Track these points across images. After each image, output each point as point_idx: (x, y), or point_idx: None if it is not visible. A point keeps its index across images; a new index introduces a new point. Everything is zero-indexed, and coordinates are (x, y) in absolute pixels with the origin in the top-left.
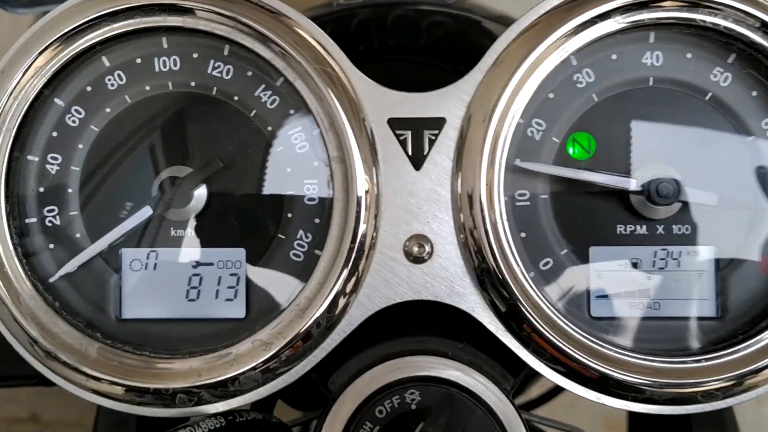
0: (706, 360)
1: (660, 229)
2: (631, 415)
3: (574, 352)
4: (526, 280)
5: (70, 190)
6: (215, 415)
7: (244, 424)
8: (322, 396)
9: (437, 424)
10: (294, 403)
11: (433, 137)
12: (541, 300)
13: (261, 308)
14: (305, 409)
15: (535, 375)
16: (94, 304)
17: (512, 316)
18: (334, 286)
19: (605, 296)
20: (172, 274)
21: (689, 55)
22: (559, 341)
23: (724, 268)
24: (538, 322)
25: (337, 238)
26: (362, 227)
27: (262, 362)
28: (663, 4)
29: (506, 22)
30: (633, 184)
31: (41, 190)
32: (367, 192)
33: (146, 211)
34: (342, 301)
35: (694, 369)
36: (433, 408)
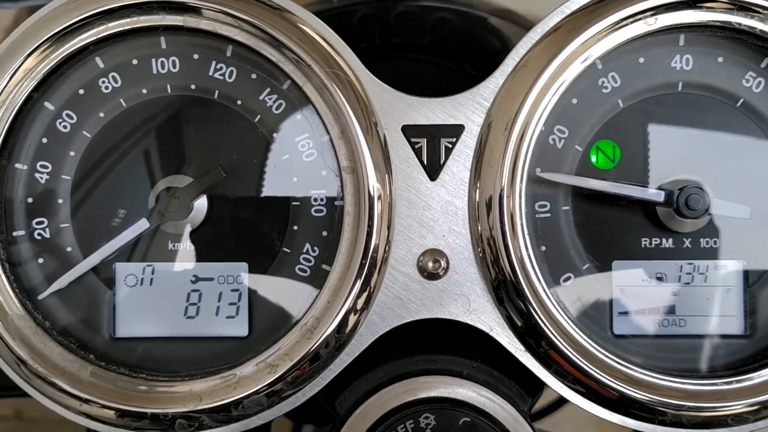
0: (737, 382)
1: (687, 243)
2: None
3: (595, 372)
4: (546, 294)
5: (60, 201)
6: None
7: None
8: (327, 415)
9: None
10: (294, 416)
11: (450, 145)
12: (562, 315)
13: (265, 327)
14: (307, 421)
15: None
16: (86, 322)
17: (530, 333)
18: (344, 304)
19: (628, 313)
20: (170, 289)
21: (720, 59)
22: (578, 359)
23: (753, 284)
24: (558, 339)
25: (347, 252)
26: (374, 241)
27: (266, 385)
28: (700, 4)
29: (513, 18)
30: (661, 196)
31: (30, 200)
32: (379, 203)
33: (142, 224)
34: (352, 320)
35: (724, 391)
36: None
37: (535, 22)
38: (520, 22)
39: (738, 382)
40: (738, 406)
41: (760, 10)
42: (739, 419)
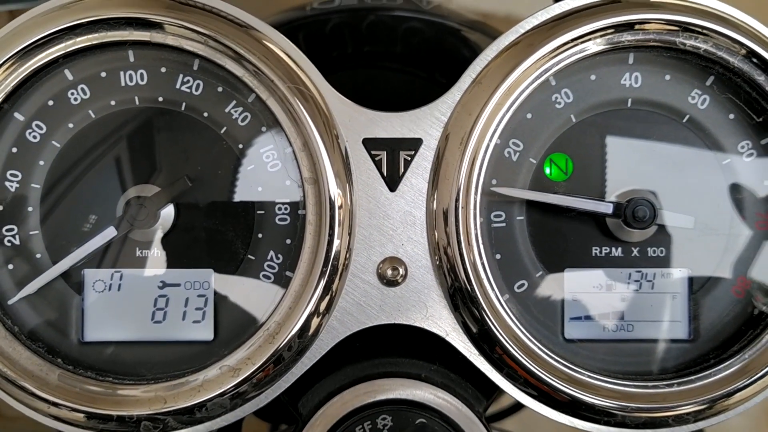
0: (678, 384)
1: (635, 252)
2: None
3: (546, 376)
4: (500, 301)
5: (30, 209)
6: None
7: None
8: (291, 414)
9: None
10: (261, 415)
11: (409, 158)
12: (514, 322)
13: (230, 331)
14: (272, 420)
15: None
16: (55, 326)
17: (484, 338)
18: (305, 309)
19: (579, 318)
20: (138, 295)
21: (668, 77)
22: (530, 364)
23: (697, 290)
24: (510, 345)
25: (309, 260)
26: (335, 249)
27: (230, 388)
28: (645, 26)
29: (483, 29)
30: (610, 208)
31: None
32: (340, 213)
33: (110, 232)
34: (313, 325)
35: (666, 393)
36: None
37: (502, 31)
38: (489, 32)
39: (679, 385)
40: (679, 408)
41: (704, 32)
42: (680, 420)
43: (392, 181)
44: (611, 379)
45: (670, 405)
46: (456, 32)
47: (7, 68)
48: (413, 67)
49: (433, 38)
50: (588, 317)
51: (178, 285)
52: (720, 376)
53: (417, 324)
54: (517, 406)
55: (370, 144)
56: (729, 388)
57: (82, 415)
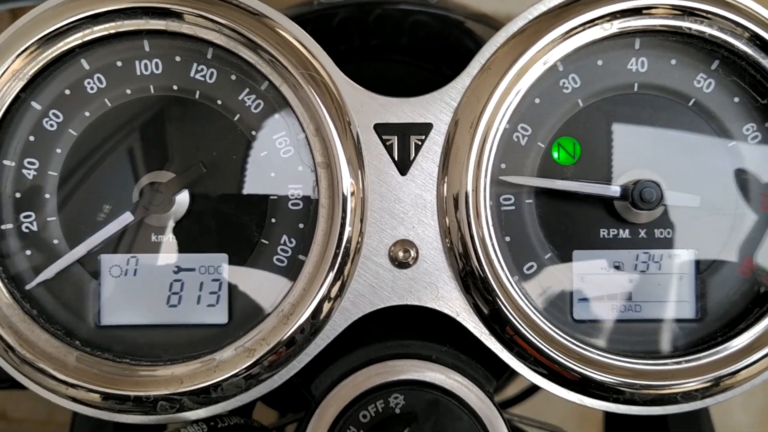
0: (686, 362)
1: (642, 233)
2: (608, 413)
3: (556, 355)
4: (510, 283)
5: (47, 196)
6: (196, 421)
7: (226, 429)
8: (302, 396)
9: (422, 428)
10: (273, 404)
11: (420, 142)
12: (525, 303)
13: (244, 314)
14: (284, 409)
15: (514, 373)
16: (72, 311)
17: (495, 319)
18: (318, 291)
19: (588, 299)
20: (153, 279)
21: (674, 62)
22: (541, 344)
23: (704, 271)
24: (521, 325)
25: (322, 243)
26: (347, 232)
27: (245, 368)
28: (652, 11)
29: (488, 22)
30: (617, 191)
31: (18, 195)
32: (352, 197)
33: (126, 217)
34: (326, 307)
35: (674, 371)
36: (418, 412)
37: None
38: (494, 24)
39: (687, 362)
40: (687, 385)
41: (709, 16)
42: (688, 397)
43: (403, 165)
44: (620, 357)
45: (677, 382)
46: (461, 25)
47: (26, 57)
48: (420, 60)
49: (440, 31)
50: (596, 298)
51: (193, 270)
52: (727, 353)
53: (428, 305)
54: (526, 394)
55: (381, 129)
56: (736, 366)
57: (99, 396)
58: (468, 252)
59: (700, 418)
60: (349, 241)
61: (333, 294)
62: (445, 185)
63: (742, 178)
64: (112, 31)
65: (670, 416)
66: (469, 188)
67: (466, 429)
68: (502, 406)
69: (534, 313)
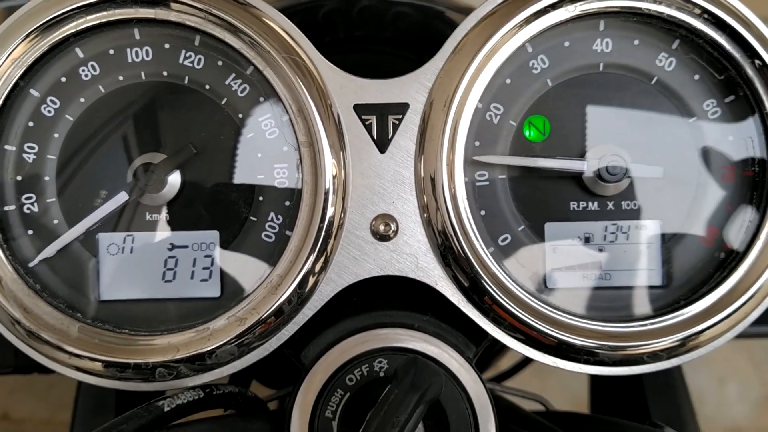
0: (652, 324)
1: (610, 205)
2: (593, 385)
3: (532, 321)
4: (486, 255)
5: (47, 178)
6: (193, 387)
7: (221, 396)
8: (295, 374)
9: (403, 384)
10: (268, 383)
11: (397, 122)
12: (501, 273)
13: (235, 287)
14: (279, 388)
15: (501, 350)
16: (73, 286)
17: (474, 290)
18: (305, 263)
19: (560, 269)
20: (149, 256)
21: (636, 42)
22: (517, 311)
23: (669, 240)
24: (499, 295)
25: (307, 218)
26: (330, 208)
27: (237, 336)
28: None
29: (468, 12)
30: (585, 166)
31: (19, 178)
32: (334, 174)
33: (122, 197)
34: (312, 278)
35: (640, 332)
36: (400, 372)
37: None
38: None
39: (653, 324)
40: (653, 345)
41: None
42: (654, 357)
43: (382, 143)
44: (591, 321)
45: (644, 343)
46: (442, 15)
47: (25, 45)
48: (403, 50)
49: (421, 22)
50: (568, 268)
51: (186, 246)
52: (690, 314)
53: (408, 275)
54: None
55: (360, 109)
56: (699, 327)
57: (101, 364)
58: (446, 228)
59: (674, 383)
60: (332, 216)
61: (318, 266)
62: (422, 164)
63: (703, 151)
64: (105, 20)
65: (646, 384)
66: (445, 167)
67: (446, 389)
68: (496, 380)
69: (510, 283)
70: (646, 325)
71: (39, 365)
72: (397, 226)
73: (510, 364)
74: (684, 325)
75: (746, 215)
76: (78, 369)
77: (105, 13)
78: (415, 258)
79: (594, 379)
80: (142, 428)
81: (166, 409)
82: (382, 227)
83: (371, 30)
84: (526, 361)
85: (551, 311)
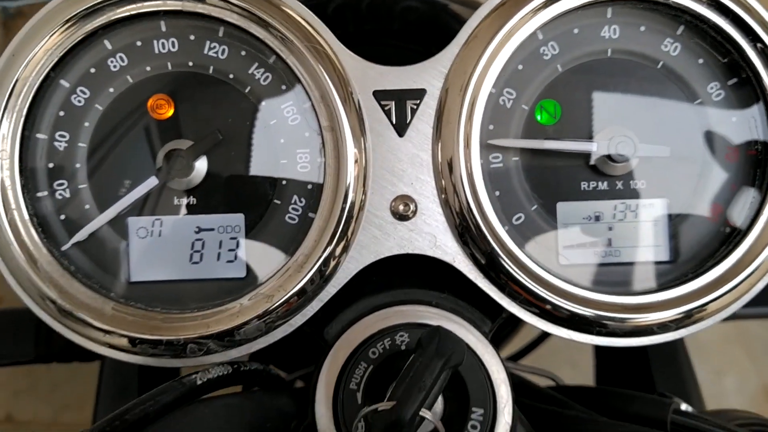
0: (660, 296)
1: (619, 185)
2: (598, 360)
3: (548, 295)
4: (503, 232)
5: (77, 165)
6: (222, 363)
7: (248, 372)
8: (314, 356)
9: (427, 352)
10: (286, 368)
11: (415, 107)
12: (516, 250)
13: (260, 267)
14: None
15: (510, 333)
16: (105, 268)
17: (491, 266)
18: (328, 244)
19: (572, 246)
20: (176, 239)
21: (642, 28)
22: (533, 286)
23: (675, 217)
24: (515, 270)
25: (330, 201)
26: (352, 190)
27: (264, 312)
28: None
29: (471, 5)
30: (594, 147)
31: (50, 165)
32: (356, 158)
33: (151, 182)
34: (335, 257)
35: (650, 303)
36: (424, 340)
37: None
38: (477, 7)
39: (661, 296)
40: (662, 316)
41: None
42: (663, 327)
43: (400, 127)
44: (603, 293)
45: (653, 314)
46: (446, 8)
47: (55, 39)
48: (411, 43)
49: (428, 15)
50: (580, 245)
51: (212, 230)
52: (697, 287)
53: (426, 253)
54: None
55: (379, 95)
56: (705, 298)
57: (133, 341)
58: (463, 208)
59: (678, 356)
60: (353, 197)
61: (341, 246)
62: (439, 147)
63: (708, 132)
64: (133, 12)
65: (656, 372)
66: (461, 150)
67: (465, 350)
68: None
69: (525, 258)
70: (655, 297)
71: (59, 354)
72: (416, 207)
73: (519, 347)
74: (691, 297)
75: (749, 193)
76: (111, 346)
77: (133, 5)
78: (433, 237)
79: (600, 354)
80: (176, 399)
81: (199, 382)
82: (401, 207)
83: (380, 24)
84: (536, 343)
85: (565, 285)
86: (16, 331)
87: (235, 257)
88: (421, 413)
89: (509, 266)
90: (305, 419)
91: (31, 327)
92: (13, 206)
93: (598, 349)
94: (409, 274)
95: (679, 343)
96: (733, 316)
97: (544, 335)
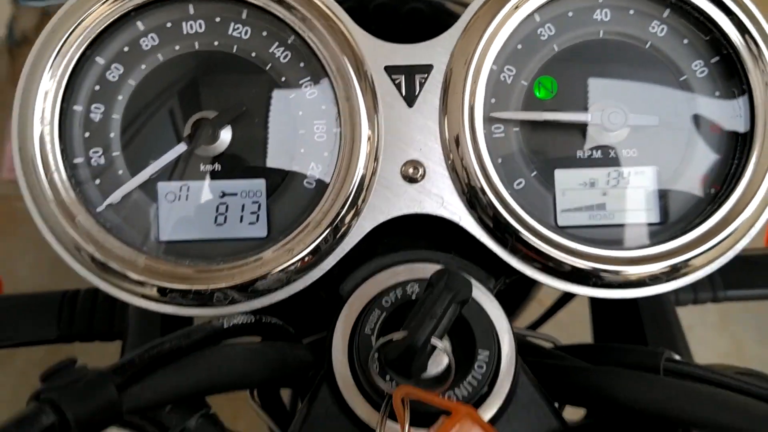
0: (652, 250)
1: (612, 153)
2: (595, 321)
3: (550, 250)
4: (507, 194)
5: (112, 135)
6: (246, 313)
7: (268, 325)
8: (327, 317)
9: (437, 287)
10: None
11: (423, 80)
12: (520, 209)
13: (280, 227)
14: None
15: (521, 304)
16: (137, 228)
17: (496, 225)
18: (343, 205)
19: (569, 209)
20: (202, 203)
21: (631, 12)
22: (536, 242)
23: (665, 183)
24: (519, 228)
25: (345, 166)
26: (365, 155)
27: (285, 264)
28: None
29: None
30: (588, 117)
31: (86, 135)
32: (369, 126)
33: (180, 147)
34: (349, 217)
35: (642, 257)
36: (433, 279)
37: None
38: None
39: (653, 250)
40: (653, 269)
41: None
42: (655, 279)
43: (410, 99)
44: (600, 248)
45: (645, 266)
46: (452, 13)
47: (90, 20)
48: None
49: (433, 18)
50: (576, 209)
51: (236, 194)
52: (686, 241)
53: (435, 212)
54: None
55: (390, 70)
56: (694, 252)
57: (165, 291)
58: (469, 172)
59: (674, 332)
60: (366, 162)
61: (355, 207)
62: (446, 117)
63: (693, 105)
64: None
65: (648, 329)
66: (466, 119)
67: (471, 287)
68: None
69: (528, 217)
70: (646, 251)
71: (80, 334)
72: (425, 170)
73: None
74: (681, 250)
75: (732, 158)
76: (143, 296)
77: None
78: (440, 198)
79: (596, 317)
80: (205, 338)
81: (225, 326)
82: (411, 170)
83: (386, 24)
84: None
85: (564, 240)
86: (38, 312)
87: (257, 219)
88: (432, 342)
89: (514, 224)
90: (322, 369)
91: (54, 308)
92: (53, 168)
93: (595, 313)
94: (418, 237)
95: (669, 305)
96: (719, 298)
97: (552, 310)
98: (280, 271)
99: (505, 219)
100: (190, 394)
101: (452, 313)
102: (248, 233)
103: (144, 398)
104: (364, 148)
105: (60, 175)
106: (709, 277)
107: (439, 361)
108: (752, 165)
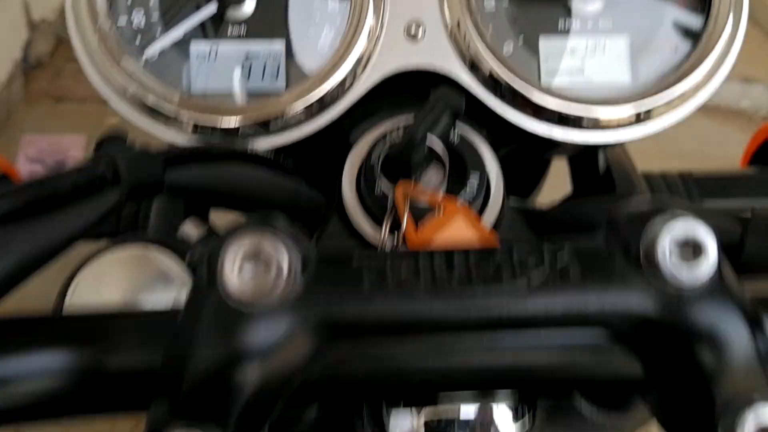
0: (622, 98)
1: (590, 25)
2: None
3: (541, 96)
4: (500, 51)
5: (151, 2)
6: (268, 151)
7: (284, 166)
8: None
9: (434, 96)
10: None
11: None
12: (512, 69)
13: (298, 79)
14: None
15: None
16: (171, 81)
17: (491, 78)
18: (353, 57)
19: (551, 72)
20: (229, 62)
21: None
22: (528, 91)
23: (637, 49)
24: (512, 79)
25: (354, 24)
26: (372, 19)
27: (303, 105)
28: None
29: None
30: None
31: (128, 3)
32: None
33: (211, 7)
34: (358, 69)
35: (617, 98)
36: (431, 93)
37: None
38: None
39: (623, 98)
40: (628, 111)
41: None
42: (630, 122)
43: None
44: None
45: (620, 107)
46: None
47: None
48: None
49: None
50: (559, 72)
51: (259, 53)
52: (653, 90)
53: (435, 66)
54: None
55: None
56: (660, 97)
57: (196, 127)
58: (467, 33)
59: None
60: (373, 21)
61: (363, 60)
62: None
63: None
64: None
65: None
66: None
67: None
68: None
69: (518, 71)
70: (618, 99)
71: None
72: (425, 30)
73: None
74: (649, 93)
75: (698, 21)
76: (176, 130)
77: None
78: (441, 55)
79: (575, 175)
80: (231, 153)
81: (248, 151)
82: (413, 29)
83: None
84: None
85: (553, 90)
86: None
87: (278, 75)
88: (429, 141)
89: (507, 75)
90: (331, 208)
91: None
92: (101, 19)
93: (574, 174)
94: (420, 96)
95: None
96: None
97: None
98: (298, 107)
99: (497, 72)
100: (219, 189)
101: (449, 117)
102: (270, 87)
103: (185, 178)
104: (371, 9)
105: (106, 25)
106: (686, 187)
107: (436, 170)
108: (712, 22)
